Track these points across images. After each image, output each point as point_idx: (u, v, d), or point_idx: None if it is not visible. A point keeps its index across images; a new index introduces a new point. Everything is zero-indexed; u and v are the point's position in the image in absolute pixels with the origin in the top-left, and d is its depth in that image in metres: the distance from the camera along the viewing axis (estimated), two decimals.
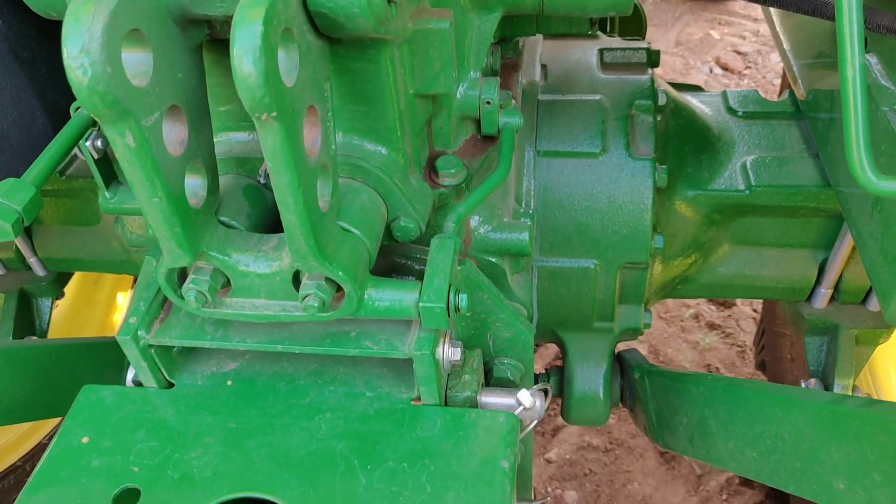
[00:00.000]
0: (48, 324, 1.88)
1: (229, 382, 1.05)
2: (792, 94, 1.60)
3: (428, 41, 0.96)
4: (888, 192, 0.76)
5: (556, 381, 1.63)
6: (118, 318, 2.54)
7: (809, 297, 1.61)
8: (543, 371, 1.69)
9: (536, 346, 3.03)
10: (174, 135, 0.81)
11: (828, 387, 1.57)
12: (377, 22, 0.79)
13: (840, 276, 1.53)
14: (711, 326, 3.16)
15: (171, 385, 1.07)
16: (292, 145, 0.74)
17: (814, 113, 1.41)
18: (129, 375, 1.09)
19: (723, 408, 1.22)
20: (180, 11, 0.79)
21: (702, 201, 1.48)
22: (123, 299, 2.58)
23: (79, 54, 0.66)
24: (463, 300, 0.94)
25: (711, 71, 4.78)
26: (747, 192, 1.46)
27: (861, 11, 0.79)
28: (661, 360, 3.03)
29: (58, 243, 1.75)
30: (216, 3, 0.78)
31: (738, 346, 3.08)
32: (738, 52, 4.82)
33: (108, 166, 1.15)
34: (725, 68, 4.79)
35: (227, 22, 0.82)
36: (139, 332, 0.99)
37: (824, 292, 1.58)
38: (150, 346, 1.01)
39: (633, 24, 1.91)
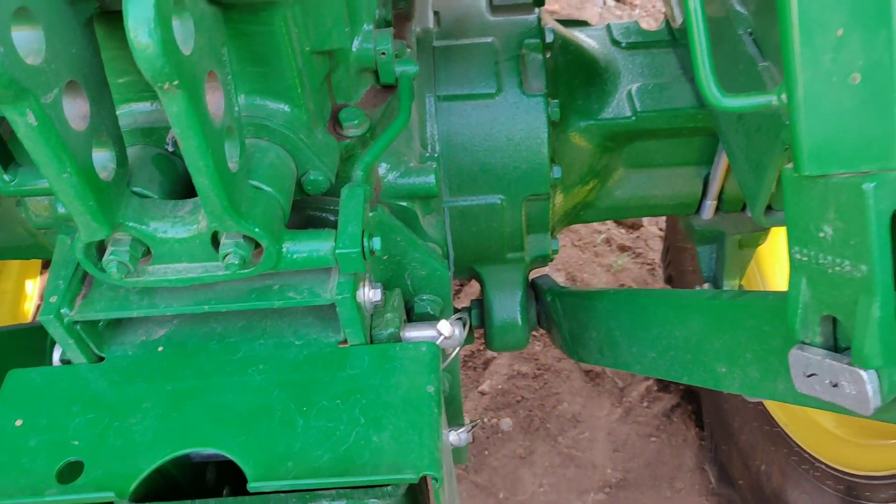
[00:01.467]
0: None
1: (160, 348, 1.10)
2: (668, 23, 1.70)
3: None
4: (732, 108, 0.86)
5: (478, 313, 1.73)
6: (29, 306, 2.50)
7: (698, 210, 1.75)
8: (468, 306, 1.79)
9: (460, 284, 3.15)
10: (75, 110, 0.84)
11: (718, 287, 1.72)
12: None
13: (722, 188, 1.67)
14: (622, 248, 3.33)
15: (101, 359, 1.10)
16: (197, 111, 0.78)
17: (684, 40, 1.51)
18: (56, 355, 1.11)
19: (625, 317, 1.34)
20: None
21: (594, 131, 1.58)
22: (32, 287, 2.53)
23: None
24: (376, 243, 1.01)
25: (605, 3, 4.90)
26: (634, 118, 1.57)
27: None
28: (578, 285, 3.19)
29: None
30: None
31: (648, 264, 3.27)
32: None
33: (3, 149, 1.14)
34: (619, 0, 4.91)
35: None
36: (62, 311, 1.02)
37: (710, 204, 1.72)
38: (76, 322, 1.04)
39: None
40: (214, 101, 0.85)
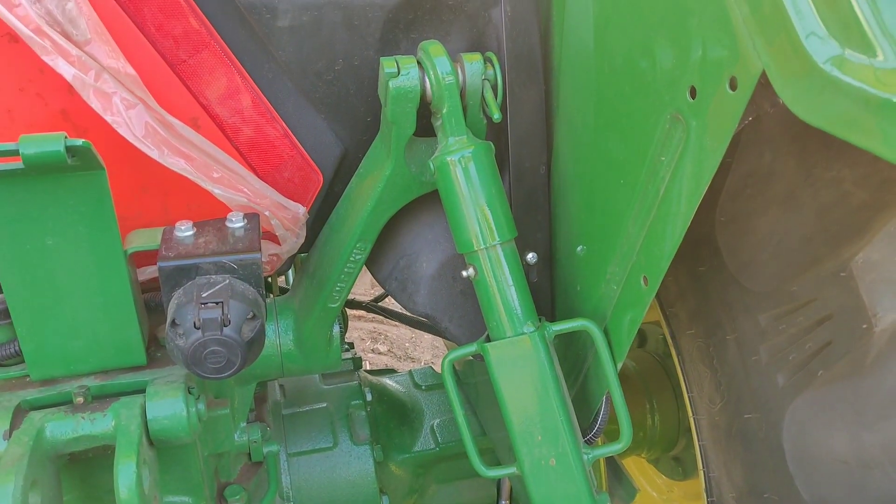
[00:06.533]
0: None
1: None
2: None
3: (217, 422, 1.47)
4: (494, 477, 1.42)
5: None
6: None
7: None
8: None
9: None
10: None
11: None
12: (193, 435, 1.29)
13: (511, 490, 2.22)
14: None
15: None
16: None
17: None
18: None
19: None
20: (56, 454, 1.22)
21: (408, 462, 2.10)
22: None
23: None
24: None
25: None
26: (437, 448, 2.12)
27: None
28: None
29: None
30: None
31: None
32: None
33: None
34: None
35: (85, 451, 1.26)
36: None
37: (504, 503, 2.25)
38: None
39: None
40: None
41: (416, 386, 2.29)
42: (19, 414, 1.22)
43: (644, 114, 1.12)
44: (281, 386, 2.09)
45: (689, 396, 1.54)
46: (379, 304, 2.29)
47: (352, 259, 1.49)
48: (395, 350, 5.35)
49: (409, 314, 2.24)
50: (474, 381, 2.18)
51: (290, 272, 2.61)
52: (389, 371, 2.42)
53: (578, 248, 1.43)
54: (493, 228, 1.30)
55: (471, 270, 1.34)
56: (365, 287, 5.09)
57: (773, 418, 1.29)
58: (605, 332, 1.35)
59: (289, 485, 1.89)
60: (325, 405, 2.04)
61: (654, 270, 1.19)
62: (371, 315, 5.76)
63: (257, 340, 1.22)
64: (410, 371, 2.36)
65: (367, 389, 2.12)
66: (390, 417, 2.16)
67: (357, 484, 1.94)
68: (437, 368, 2.28)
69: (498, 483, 2.24)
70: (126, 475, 1.12)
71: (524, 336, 1.32)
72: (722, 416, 1.42)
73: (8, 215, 1.17)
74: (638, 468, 2.54)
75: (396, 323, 5.74)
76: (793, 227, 1.26)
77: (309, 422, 1.99)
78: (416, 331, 5.59)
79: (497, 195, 1.31)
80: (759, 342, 1.30)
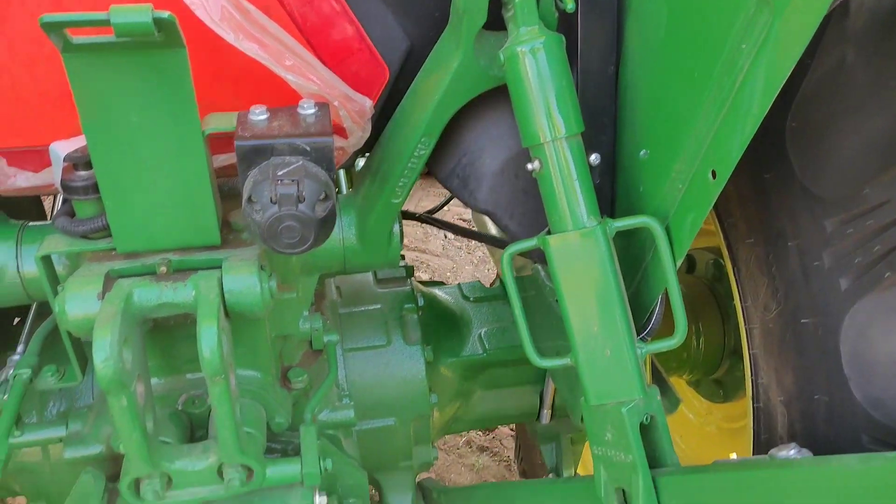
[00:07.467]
0: None
1: None
2: (501, 281, 2.39)
3: (284, 305, 1.54)
4: (543, 367, 1.47)
5: None
6: None
7: (538, 417, 2.34)
8: None
9: None
10: (140, 392, 1.29)
11: (560, 475, 2.28)
12: (266, 309, 1.36)
13: (553, 400, 2.29)
14: (482, 449, 3.86)
15: None
16: (229, 395, 1.26)
17: None
18: None
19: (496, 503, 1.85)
20: (142, 318, 1.30)
21: (457, 365, 2.17)
22: None
23: (104, 360, 1.15)
24: (329, 463, 1.48)
25: (446, 237, 5.80)
26: (484, 354, 2.18)
27: None
28: (447, 485, 3.64)
29: None
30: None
31: (505, 461, 3.80)
32: (464, 220, 5.90)
33: None
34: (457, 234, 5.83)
35: (167, 319, 1.34)
36: None
37: (546, 412, 2.32)
38: None
39: None
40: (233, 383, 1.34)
41: (465, 297, 2.35)
42: (109, 280, 1.29)
43: None
44: (337, 287, 2.16)
45: (742, 307, 1.56)
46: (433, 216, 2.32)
47: (416, 154, 1.52)
48: (437, 279, 5.42)
49: (461, 226, 2.28)
50: (524, 295, 2.22)
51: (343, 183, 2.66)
52: (439, 283, 2.48)
53: (642, 153, 1.44)
54: (561, 121, 1.32)
55: (536, 164, 1.36)
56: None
57: (831, 322, 1.31)
58: (666, 231, 1.37)
59: (344, 378, 1.97)
60: (379, 306, 2.10)
61: (723, 163, 1.20)
62: (413, 244, 5.84)
63: (329, 220, 1.27)
64: (459, 284, 2.41)
65: (419, 295, 2.17)
66: (440, 323, 2.22)
67: (408, 381, 2.02)
68: None
69: (541, 393, 2.30)
70: (209, 337, 1.19)
71: (586, 229, 1.35)
72: (776, 323, 1.44)
73: (98, 90, 1.22)
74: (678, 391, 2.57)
75: (438, 253, 5.80)
76: (869, 131, 1.25)
77: (364, 321, 2.06)
78: (457, 261, 5.67)
79: (567, 88, 1.32)
80: (823, 247, 1.31)
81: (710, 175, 1.23)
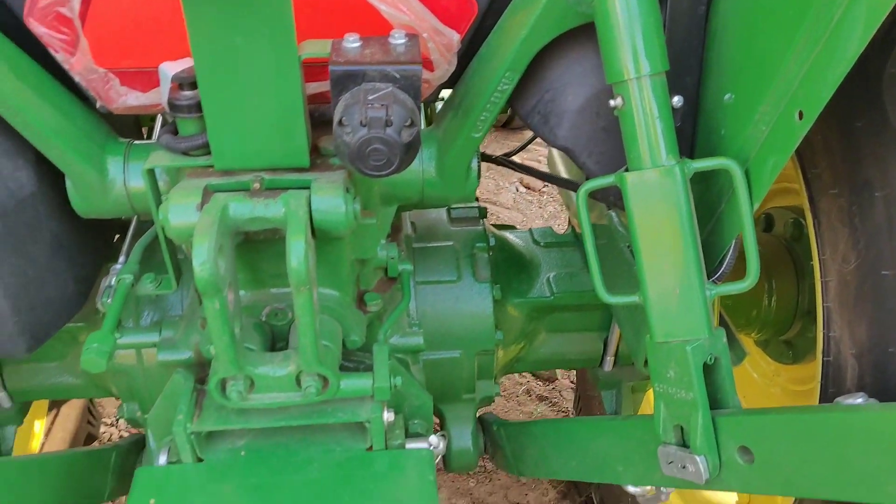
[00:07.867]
0: (11, 450, 2.21)
1: (243, 453, 1.58)
2: (573, 228, 2.41)
3: (365, 230, 1.61)
4: (612, 303, 1.51)
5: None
6: (35, 444, 2.83)
7: (601, 363, 2.38)
8: None
9: None
10: (231, 299, 1.39)
11: None
12: (349, 229, 1.43)
13: (617, 347, 2.32)
14: (540, 398, 3.93)
15: (200, 460, 1.57)
16: (312, 305, 1.35)
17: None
18: (163, 458, 1.58)
19: (554, 438, 1.90)
20: (235, 229, 1.39)
21: (524, 306, 2.22)
22: (40, 426, 2.87)
23: (202, 264, 1.24)
24: (398, 381, 1.57)
25: (518, 190, 5.81)
26: (551, 297, 2.22)
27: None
28: None
29: (27, 377, 2.13)
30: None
31: (563, 411, 3.86)
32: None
33: None
34: (528, 187, 5.84)
35: (257, 233, 1.42)
36: (186, 425, 1.51)
37: (609, 359, 2.35)
38: (192, 433, 1.52)
39: None
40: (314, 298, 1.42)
41: (535, 242, 2.38)
42: (207, 194, 1.38)
43: None
44: (413, 223, 2.23)
45: (819, 260, 1.55)
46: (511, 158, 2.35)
47: (499, 89, 1.55)
48: None
49: (535, 168, 2.30)
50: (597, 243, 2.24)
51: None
52: (510, 227, 2.52)
53: (726, 97, 1.44)
54: (646, 58, 1.32)
55: (618, 100, 1.37)
56: None
57: None
58: (746, 174, 1.37)
59: (415, 308, 2.04)
60: (451, 244, 2.16)
61: (812, 104, 1.19)
62: (485, 196, 5.88)
63: (413, 145, 1.32)
64: (530, 229, 2.45)
65: (490, 235, 2.22)
66: (509, 265, 2.27)
67: (476, 316, 2.08)
68: None
69: (605, 340, 2.33)
70: (297, 249, 1.27)
71: (664, 167, 1.37)
72: (854, 275, 1.43)
73: (208, 14, 1.29)
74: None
75: (509, 205, 5.80)
76: None
77: (436, 256, 2.12)
78: (528, 214, 5.68)
79: (654, 25, 1.32)
80: None
81: (796, 116, 1.22)
